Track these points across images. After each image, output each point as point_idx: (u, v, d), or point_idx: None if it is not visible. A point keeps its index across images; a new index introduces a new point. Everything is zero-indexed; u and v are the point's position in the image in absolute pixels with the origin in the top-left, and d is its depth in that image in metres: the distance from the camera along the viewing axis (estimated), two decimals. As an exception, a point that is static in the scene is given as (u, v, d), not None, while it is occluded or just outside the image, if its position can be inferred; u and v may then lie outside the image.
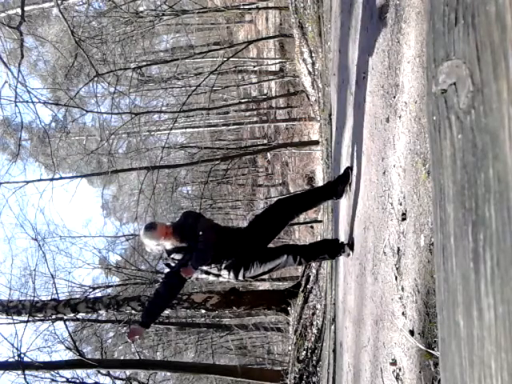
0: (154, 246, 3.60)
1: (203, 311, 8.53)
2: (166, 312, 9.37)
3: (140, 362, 10.68)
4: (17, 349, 8.30)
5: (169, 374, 15.18)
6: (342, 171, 4.41)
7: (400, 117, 2.77)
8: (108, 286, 15.52)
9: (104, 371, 10.15)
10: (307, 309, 8.79)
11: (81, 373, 10.25)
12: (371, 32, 3.58)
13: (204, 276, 3.81)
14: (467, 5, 0.51)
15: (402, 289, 2.53)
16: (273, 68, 17.47)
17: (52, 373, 9.28)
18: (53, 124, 14.42)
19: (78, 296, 12.40)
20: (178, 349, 17.30)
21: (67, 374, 9.90)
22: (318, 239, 9.76)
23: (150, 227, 3.60)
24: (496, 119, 0.48)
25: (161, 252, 3.81)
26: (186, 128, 17.89)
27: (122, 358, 15.03)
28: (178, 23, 14.63)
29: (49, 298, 9.37)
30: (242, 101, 18.00)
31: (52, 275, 10.58)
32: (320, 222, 11.10)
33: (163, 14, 12.74)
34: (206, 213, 16.72)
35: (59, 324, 12.70)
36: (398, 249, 2.65)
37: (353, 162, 4.17)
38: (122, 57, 13.10)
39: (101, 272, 18.77)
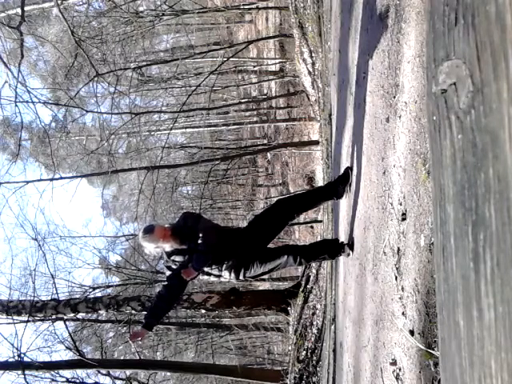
0: (152, 248, 3.57)
1: (203, 311, 8.53)
2: (166, 312, 9.36)
3: (140, 362, 10.67)
4: (17, 349, 8.30)
5: (169, 373, 15.20)
6: (342, 171, 4.41)
7: (400, 117, 2.77)
8: (108, 286, 15.53)
9: (104, 371, 10.15)
10: (307, 309, 8.79)
11: (81, 373, 10.26)
12: (371, 32, 3.58)
13: (205, 277, 3.81)
14: (467, 5, 0.51)
15: (402, 289, 2.53)
16: (273, 68, 17.48)
17: (52, 373, 9.29)
18: (53, 124, 14.43)
19: (78, 296, 12.41)
20: (178, 349, 17.30)
21: (67, 374, 9.91)
22: (318, 239, 9.76)
23: (149, 230, 3.56)
24: (496, 119, 0.48)
25: (160, 254, 3.81)
26: (185, 128, 17.89)
27: (122, 358, 15.03)
28: (177, 23, 14.63)
29: (49, 298, 9.37)
30: (242, 101, 18.00)
31: (52, 275, 10.59)
32: (320, 222, 11.10)
33: (163, 14, 12.74)
34: (205, 213, 16.73)
35: (59, 324, 12.75)
36: (398, 249, 2.65)
37: (353, 162, 4.17)
38: (121, 57, 13.11)
39: (101, 272, 18.78)
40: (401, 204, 2.67)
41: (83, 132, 16.84)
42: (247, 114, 19.42)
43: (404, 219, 2.58)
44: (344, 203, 4.68)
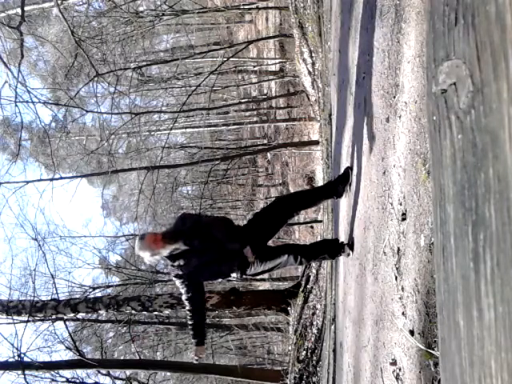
0: (148, 256, 3.51)
1: (203, 311, 8.51)
2: (166, 312, 9.36)
3: (140, 361, 10.68)
4: (17, 349, 8.30)
5: (169, 373, 15.19)
6: (342, 171, 4.41)
7: (400, 117, 2.77)
8: (108, 286, 15.54)
9: (104, 371, 10.15)
10: (307, 309, 8.79)
11: (81, 373, 10.27)
12: (371, 32, 3.58)
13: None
14: (467, 5, 0.51)
15: (402, 289, 2.53)
16: (273, 68, 17.48)
17: (52, 373, 9.29)
18: (53, 124, 14.43)
19: (78, 296, 12.42)
20: (178, 349, 17.30)
21: (67, 374, 9.92)
22: (318, 239, 9.76)
23: (140, 238, 3.57)
24: (496, 119, 0.48)
25: (158, 261, 3.78)
26: (186, 128, 17.89)
27: (122, 358, 15.04)
28: (178, 23, 14.62)
29: (49, 298, 9.37)
30: (242, 101, 18.00)
31: (52, 275, 10.59)
32: (320, 222, 11.10)
33: (163, 14, 12.74)
34: (205, 213, 16.72)
35: (59, 324, 12.75)
36: (398, 249, 2.65)
37: (353, 162, 4.17)
38: (121, 57, 13.10)
39: (101, 272, 18.79)
40: (401, 204, 2.67)
41: (83, 132, 16.84)
42: (247, 114, 19.42)
43: (404, 219, 2.58)
44: (344, 203, 4.68)
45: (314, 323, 8.45)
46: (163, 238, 3.49)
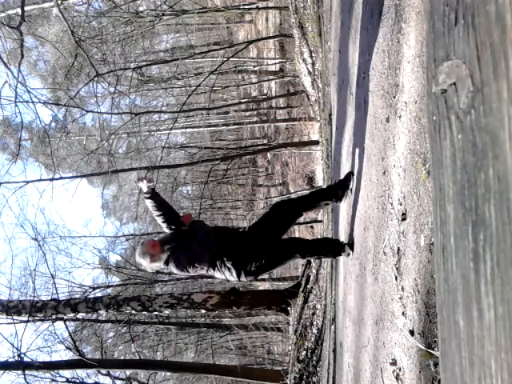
0: (148, 263, 3.64)
1: (203, 311, 8.52)
2: (166, 312, 9.35)
3: (140, 361, 10.68)
4: (17, 349, 8.30)
5: (169, 374, 15.19)
6: (343, 176, 4.41)
7: (400, 117, 2.77)
8: (108, 286, 15.55)
9: (104, 371, 10.16)
10: (307, 309, 8.79)
11: (81, 373, 10.27)
12: (371, 32, 3.58)
13: (218, 275, 3.81)
14: (467, 5, 0.51)
15: (402, 289, 2.53)
16: (273, 68, 17.47)
17: (52, 373, 9.29)
18: (53, 124, 14.44)
19: (78, 296, 12.43)
20: (178, 349, 17.30)
21: (67, 374, 9.92)
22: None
23: (140, 244, 3.79)
24: (496, 119, 0.48)
25: (158, 267, 3.86)
26: (186, 128, 17.89)
27: (122, 358, 15.04)
28: (178, 23, 14.63)
29: (49, 298, 9.36)
30: (242, 101, 17.99)
31: (52, 275, 10.59)
32: (320, 222, 11.10)
33: (163, 14, 12.73)
34: (206, 213, 16.75)
35: (59, 324, 12.75)
36: (398, 249, 2.65)
37: (353, 162, 4.17)
38: (122, 57, 13.10)
39: (101, 272, 18.81)
40: (401, 204, 2.67)
41: (83, 132, 16.84)
42: (247, 114, 19.42)
43: (404, 219, 2.58)
44: (344, 203, 4.68)
45: (314, 323, 8.44)
46: (161, 243, 3.65)
